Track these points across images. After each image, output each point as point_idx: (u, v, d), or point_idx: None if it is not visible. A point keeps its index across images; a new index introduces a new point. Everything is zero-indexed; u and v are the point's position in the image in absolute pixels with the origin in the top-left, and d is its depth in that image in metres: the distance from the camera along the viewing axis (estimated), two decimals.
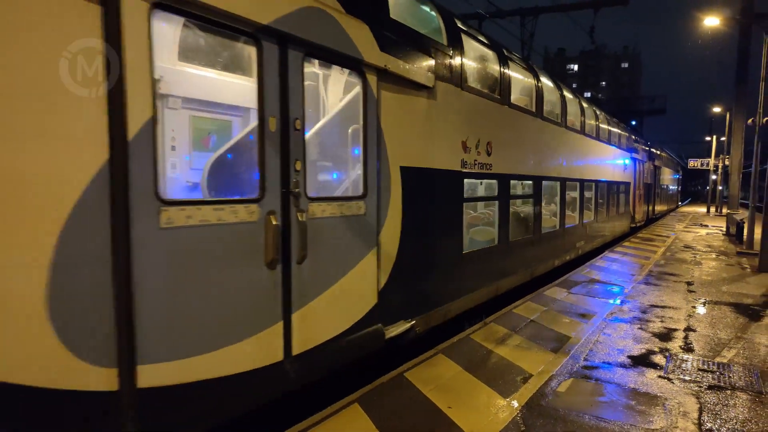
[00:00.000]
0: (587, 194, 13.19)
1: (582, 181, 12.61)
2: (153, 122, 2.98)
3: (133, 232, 2.89)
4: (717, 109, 41.44)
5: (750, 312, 7.61)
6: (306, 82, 4.08)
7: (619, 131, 17.96)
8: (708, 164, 42.02)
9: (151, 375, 2.98)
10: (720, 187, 38.05)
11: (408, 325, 5.35)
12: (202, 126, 5.10)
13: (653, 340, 6.17)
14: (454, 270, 6.53)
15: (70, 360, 2.65)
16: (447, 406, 4.30)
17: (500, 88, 7.78)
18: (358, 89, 4.75)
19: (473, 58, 7.19)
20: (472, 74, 7.07)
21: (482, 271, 7.39)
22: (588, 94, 74.91)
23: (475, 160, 6.95)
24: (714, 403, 4.42)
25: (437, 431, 3.88)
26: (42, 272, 2.55)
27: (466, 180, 6.75)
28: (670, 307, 7.79)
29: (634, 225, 20.67)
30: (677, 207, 48.35)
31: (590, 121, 13.39)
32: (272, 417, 4.13)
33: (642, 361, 5.45)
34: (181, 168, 5.02)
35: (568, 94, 11.54)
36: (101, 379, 2.77)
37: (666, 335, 6.36)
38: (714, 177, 40.73)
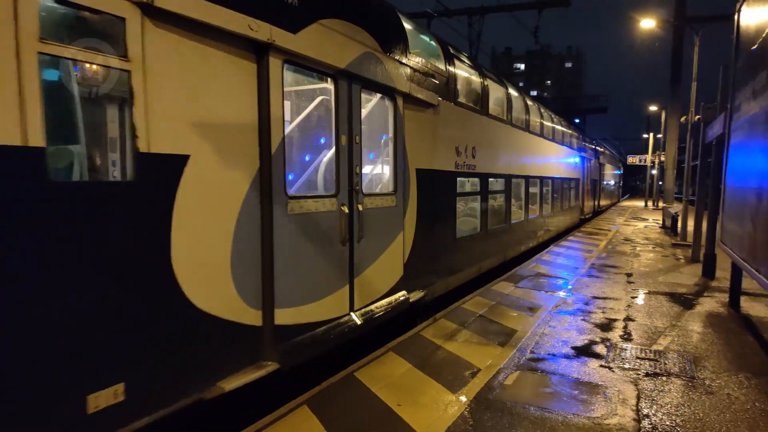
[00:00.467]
0: (546, 189, 15.07)
1: (542, 178, 14.43)
2: (283, 142, 4.31)
3: (274, 218, 4.23)
4: (653, 108, 43.53)
5: (683, 300, 8.02)
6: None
7: (571, 133, 20.38)
8: (646, 160, 44.08)
9: (281, 316, 4.36)
10: (658, 183, 39.98)
11: (422, 294, 6.89)
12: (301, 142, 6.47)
13: (595, 330, 6.40)
14: (450, 251, 8.13)
15: (240, 303, 3.99)
16: (396, 403, 4.30)
17: (481, 101, 9.43)
18: (390, 110, 6.21)
19: (461, 77, 8.61)
20: (461, 91, 8.56)
21: (470, 253, 9.07)
22: (534, 93, 77.02)
23: (465, 162, 8.54)
24: (651, 389, 4.62)
25: (387, 429, 3.87)
26: (228, 246, 3.86)
27: (458, 178, 8.36)
28: (611, 298, 8.11)
29: (583, 217, 22.97)
30: (619, 201, 51.59)
31: (548, 125, 15.43)
32: (222, 417, 4.02)
33: (585, 351, 5.63)
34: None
35: (530, 103, 13.38)
36: (254, 317, 4.14)
37: (607, 325, 6.61)
38: (654, 172, 42.74)
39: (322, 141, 5.96)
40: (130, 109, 3.11)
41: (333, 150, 5.20)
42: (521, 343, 5.86)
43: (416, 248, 6.78)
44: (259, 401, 4.27)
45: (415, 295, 6.69)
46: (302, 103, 6.20)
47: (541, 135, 14.36)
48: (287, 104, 4.89)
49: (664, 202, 23.07)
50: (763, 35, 6.28)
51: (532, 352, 5.59)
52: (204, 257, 3.65)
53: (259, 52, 4.05)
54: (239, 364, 4.01)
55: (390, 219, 6.16)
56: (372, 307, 5.78)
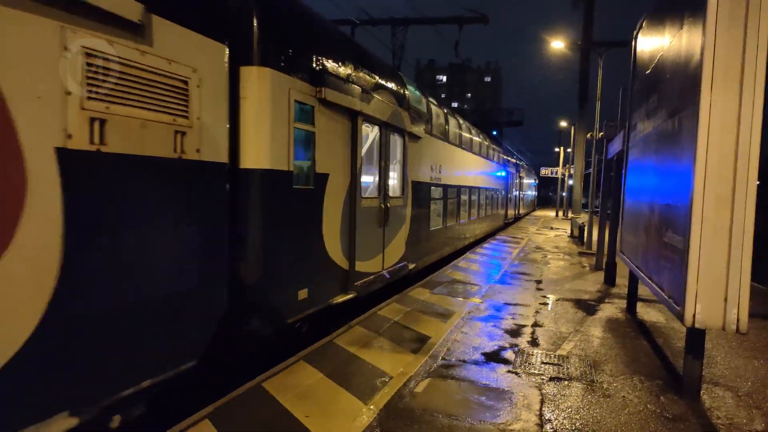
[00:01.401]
0: (484, 197, 19.61)
1: (480, 189, 18.70)
2: (360, 166, 7.35)
3: (357, 209, 7.28)
4: (564, 124, 46.25)
5: (587, 306, 8.47)
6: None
7: (501, 152, 25.86)
8: (557, 173, 46.73)
9: (358, 266, 7.38)
10: (567, 194, 42.42)
11: (414, 265, 10.25)
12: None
13: (505, 336, 6.59)
14: (426, 239, 11.52)
15: (342, 256, 7.01)
16: (305, 415, 4.15)
17: (445, 131, 13.04)
18: (400, 143, 9.41)
19: (434, 115, 11.88)
20: (434, 125, 11.79)
21: (437, 242, 12.67)
22: (455, 105, 79.38)
23: (435, 176, 11.98)
24: (554, 394, 4.79)
25: None
26: (338, 222, 6.85)
27: (431, 187, 11.71)
28: (521, 305, 8.41)
29: (507, 221, 28.50)
30: (534, 209, 56.54)
31: (486, 147, 20.16)
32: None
33: (494, 357, 5.76)
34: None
35: (474, 131, 17.75)
36: (347, 265, 7.16)
37: (516, 331, 6.83)
38: (571, 183, 45.39)
39: (373, 164, 8.65)
40: (313, 150, 6.17)
41: (377, 169, 8.41)
42: (434, 350, 5.90)
43: (411, 234, 10.05)
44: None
45: (411, 265, 10.06)
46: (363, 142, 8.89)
47: (481, 155, 18.61)
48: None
49: (572, 213, 24.48)
50: (656, 61, 6.79)
51: (443, 358, 5.64)
52: (332, 229, 6.68)
53: (353, 116, 7.12)
54: (340, 290, 7.03)
55: (400, 213, 9.37)
56: (392, 268, 8.94)
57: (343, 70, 6.84)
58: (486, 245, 17.48)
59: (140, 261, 3.80)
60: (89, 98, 3.35)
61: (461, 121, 15.41)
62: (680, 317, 4.50)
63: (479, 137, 18.48)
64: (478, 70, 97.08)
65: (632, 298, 8.26)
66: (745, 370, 5.61)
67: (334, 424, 4.03)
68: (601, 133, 15.49)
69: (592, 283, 10.77)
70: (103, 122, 3.45)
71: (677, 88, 5.45)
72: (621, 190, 9.31)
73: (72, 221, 3.26)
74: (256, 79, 5.14)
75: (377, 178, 8.43)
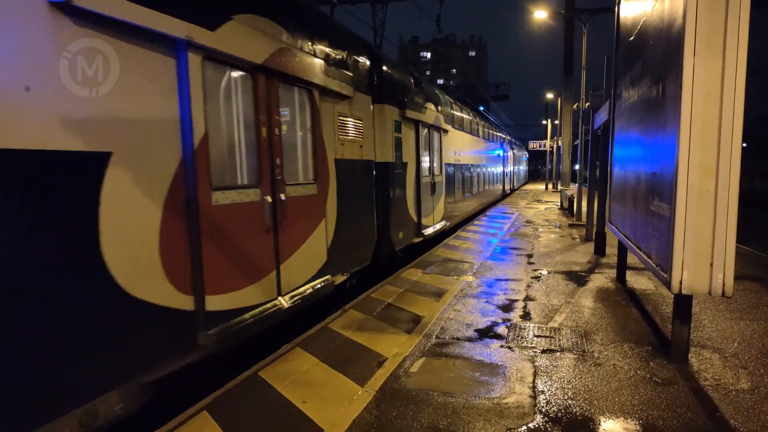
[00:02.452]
0: (489, 173, 24.08)
1: (487, 166, 22.96)
2: (421, 153, 11.47)
3: (420, 183, 11.17)
4: (550, 96, 46.12)
5: (577, 278, 8.56)
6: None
7: (501, 134, 31.65)
8: (545, 145, 46.74)
9: (422, 221, 11.33)
10: (557, 166, 42.50)
11: (449, 224, 13.99)
12: None
13: (498, 312, 6.64)
14: (454, 204, 15.53)
15: (415, 215, 10.88)
16: (302, 401, 4.18)
17: (461, 123, 16.34)
18: (437, 137, 12.68)
19: (455, 112, 15.38)
20: (455, 120, 14.67)
21: (462, 207, 16.81)
22: (440, 81, 78.82)
23: (457, 159, 15.36)
24: (546, 366, 4.85)
25: (289, 430, 3.75)
26: (412, 195, 10.59)
27: (455, 167, 15.21)
28: (512, 280, 8.47)
29: (505, 192, 33.66)
30: (526, 183, 59.25)
31: (488, 132, 24.04)
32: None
33: (487, 333, 5.82)
34: None
35: (480, 119, 21.06)
36: (417, 219, 11.01)
37: (508, 306, 6.89)
38: (565, 156, 45.50)
39: (424, 153, 11.68)
40: (400, 148, 9.70)
41: (428, 157, 12.04)
42: (427, 329, 5.94)
43: (446, 201, 13.85)
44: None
45: (448, 223, 13.45)
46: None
47: (485, 138, 22.40)
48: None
49: (561, 185, 24.57)
50: (639, 27, 6.74)
51: (437, 337, 5.69)
52: (410, 196, 10.04)
53: (416, 124, 10.55)
54: (414, 236, 10.31)
55: (440, 186, 13.17)
56: (439, 224, 12.85)
57: (411, 96, 10.55)
58: (476, 222, 17.54)
59: (359, 208, 7.98)
60: (339, 134, 7.14)
61: (471, 113, 19.66)
62: (667, 284, 4.55)
63: (485, 124, 23.63)
64: (462, 45, 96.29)
65: (621, 267, 8.34)
66: (731, 332, 5.71)
67: (331, 408, 4.07)
68: (588, 104, 15.48)
69: (583, 255, 10.86)
70: (342, 145, 7.23)
71: (660, 54, 5.42)
72: (608, 160, 9.33)
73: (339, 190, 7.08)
74: (378, 111, 8.86)
75: (427, 163, 11.86)
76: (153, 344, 3.88)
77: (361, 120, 7.85)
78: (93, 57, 3.38)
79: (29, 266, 3.01)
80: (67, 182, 3.23)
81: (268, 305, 5.33)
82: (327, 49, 6.77)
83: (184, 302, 4.16)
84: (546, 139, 47.13)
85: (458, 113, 16.10)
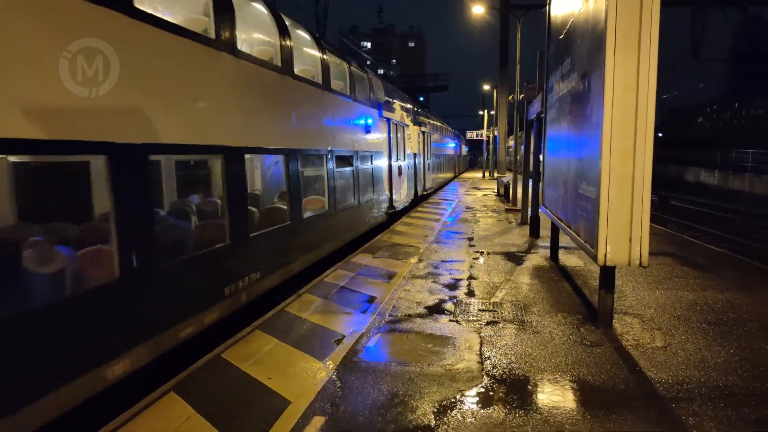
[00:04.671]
0: (450, 160, 37.02)
1: (449, 155, 36.11)
2: (423, 148, 22.40)
3: (424, 166, 22.08)
4: (487, 87, 47.52)
5: (515, 258, 9.19)
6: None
7: (454, 131, 45.40)
8: (482, 135, 48.23)
9: (394, 200, 16.68)
10: (494, 155, 43.97)
11: (433, 190, 26.51)
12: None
13: (444, 290, 7.10)
14: (435, 178, 27.44)
15: (389, 194, 15.67)
16: (267, 377, 4.43)
17: (433, 126, 25.42)
18: (425, 137, 22.00)
19: (430, 120, 25.40)
20: (430, 124, 25.12)
21: (437, 180, 28.05)
22: (381, 71, 79.01)
23: (435, 152, 26.39)
24: (491, 335, 5.33)
25: (258, 402, 4.00)
26: (413, 173, 20.19)
27: (434, 156, 26.47)
28: (456, 261, 8.99)
29: (456, 174, 44.77)
30: (467, 169, 66.90)
31: (447, 130, 35.24)
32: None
33: (436, 309, 6.26)
34: None
35: (442, 122, 33.42)
36: (389, 198, 15.25)
37: (454, 285, 7.37)
38: (511, 145, 47.05)
39: (421, 148, 21.10)
40: (418, 145, 20.59)
41: (423, 151, 21.78)
42: (380, 308, 6.30)
43: (433, 175, 24.52)
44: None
45: (431, 190, 23.27)
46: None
47: (446, 135, 32.17)
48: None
49: (497, 173, 25.61)
50: (568, 27, 7.34)
51: (390, 315, 6.06)
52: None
53: (423, 132, 21.79)
54: (386, 209, 14.34)
55: (428, 168, 22.97)
56: (429, 189, 23.06)
57: (420, 117, 18.92)
58: (420, 209, 18.11)
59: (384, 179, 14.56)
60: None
61: (436, 120, 29.87)
62: (594, 258, 5.13)
63: (445, 125, 36.04)
64: (401, 36, 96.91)
65: (554, 246, 9.04)
66: (649, 300, 6.45)
67: (296, 382, 4.34)
68: (522, 95, 16.28)
69: (519, 237, 11.58)
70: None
71: (586, 52, 5.98)
72: (541, 148, 10.01)
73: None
74: (412, 129, 17.62)
75: (425, 154, 20.59)
76: (413, 193, 18.37)
77: (410, 134, 18.02)
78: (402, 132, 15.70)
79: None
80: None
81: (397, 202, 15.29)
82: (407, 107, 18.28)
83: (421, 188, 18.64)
84: (483, 128, 48.63)
85: (431, 120, 23.90)
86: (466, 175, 52.30)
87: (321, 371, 4.54)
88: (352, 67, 11.46)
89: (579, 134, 6.30)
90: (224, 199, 5.95)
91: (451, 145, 39.54)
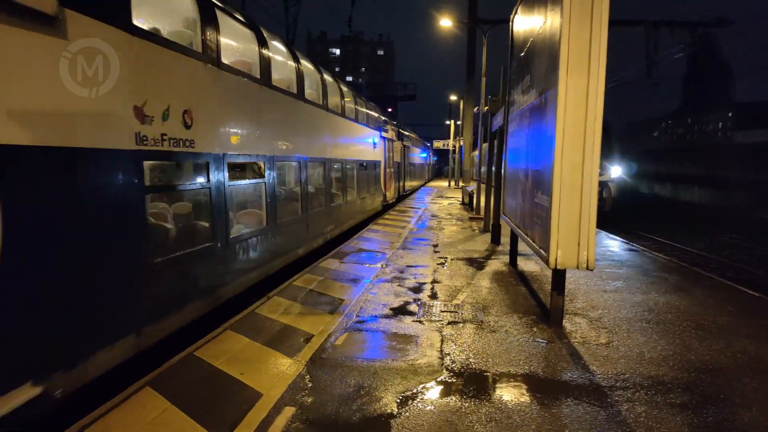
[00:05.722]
0: (420, 167, 43.13)
1: (418, 163, 41.17)
2: (405, 157, 29.42)
3: (405, 168, 29.26)
4: (454, 98, 48.44)
5: (477, 263, 9.62)
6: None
7: (425, 143, 51.66)
8: (449, 145, 49.08)
9: (405, 185, 30.53)
10: (459, 164, 44.84)
11: (411, 192, 35.38)
12: None
13: (409, 293, 7.44)
14: (411, 182, 34.79)
15: (402, 184, 28.11)
16: (240, 373, 4.66)
17: (410, 139, 33.11)
18: (402, 147, 27.77)
19: (405, 135, 30.05)
20: (405, 138, 29.15)
21: (414, 187, 38.25)
22: (350, 79, 79.47)
23: (411, 160, 35.64)
24: (451, 334, 5.69)
25: (232, 394, 4.23)
26: (400, 174, 27.47)
27: (410, 164, 33.77)
28: (421, 266, 9.36)
29: (426, 180, 52.08)
30: (433, 178, 69.16)
31: (419, 142, 43.54)
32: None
33: (401, 311, 6.58)
34: None
35: (416, 136, 40.96)
36: (403, 186, 28.69)
37: (418, 288, 7.72)
38: (476, 156, 48.02)
39: (402, 157, 28.09)
40: (397, 155, 26.07)
41: (402, 158, 27.99)
42: (348, 310, 6.59)
43: (407, 180, 30.81)
44: None
45: (409, 191, 30.07)
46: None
47: (420, 147, 40.51)
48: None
49: (462, 182, 26.23)
50: (527, 45, 7.84)
51: (357, 316, 6.36)
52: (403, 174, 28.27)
53: (404, 145, 28.21)
54: (381, 202, 19.91)
55: (407, 172, 30.74)
56: (409, 188, 31.13)
57: (402, 132, 25.23)
58: (386, 216, 18.46)
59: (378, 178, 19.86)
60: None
61: (412, 133, 35.42)
62: (546, 261, 5.56)
63: (418, 138, 42.89)
64: (370, 43, 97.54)
65: (513, 253, 9.52)
66: (596, 302, 6.95)
67: (267, 377, 4.59)
68: (486, 107, 16.88)
69: (481, 244, 12.06)
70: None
71: (544, 71, 6.45)
72: (503, 159, 10.52)
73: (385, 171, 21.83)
74: (397, 144, 22.65)
75: (405, 163, 26.59)
76: (398, 192, 24.43)
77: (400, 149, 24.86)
78: (391, 146, 22.49)
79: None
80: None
81: (388, 197, 21.48)
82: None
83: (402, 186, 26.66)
84: (450, 138, 49.53)
85: (406, 133, 29.10)
86: (433, 183, 53.06)
87: (291, 367, 4.80)
88: (366, 103, 17.67)
89: (536, 147, 6.76)
90: (326, 187, 12.20)
91: (423, 155, 47.05)
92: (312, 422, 3.80)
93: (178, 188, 6.33)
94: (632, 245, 12.36)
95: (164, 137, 5.35)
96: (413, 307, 6.72)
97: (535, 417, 3.86)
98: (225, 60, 6.90)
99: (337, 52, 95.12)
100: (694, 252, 16.42)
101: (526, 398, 4.16)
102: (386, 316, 6.34)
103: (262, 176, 8.25)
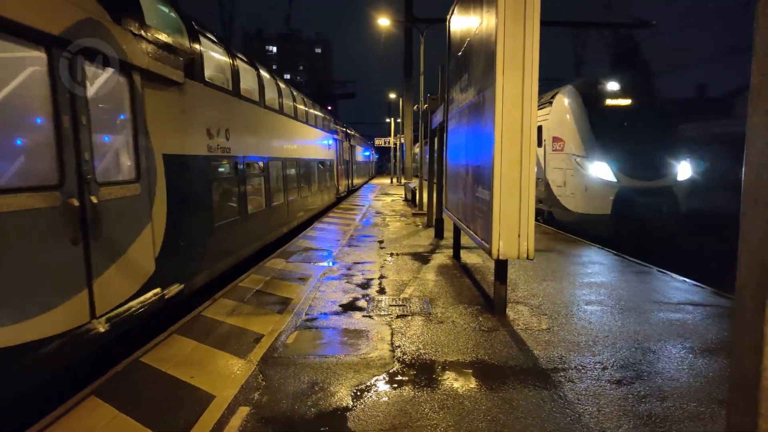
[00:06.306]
0: (366, 164, 49.11)
1: (364, 161, 44.46)
2: (349, 154, 32.33)
3: (353, 165, 34.77)
4: (393, 96, 48.89)
5: (422, 258, 9.84)
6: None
7: (368, 141, 53.33)
8: (389, 142, 49.53)
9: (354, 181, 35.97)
10: (394, 162, 45.33)
11: (359, 186, 38.62)
12: None
13: (357, 289, 7.52)
14: (357, 179, 37.41)
15: (352, 180, 33.79)
16: (190, 376, 4.57)
17: (356, 139, 37.98)
18: (350, 146, 33.00)
19: (351, 134, 33.35)
20: (352, 137, 32.65)
21: (362, 183, 43.05)
22: (288, 76, 78.47)
23: (357, 159, 40.17)
24: (401, 327, 5.82)
25: (183, 398, 4.16)
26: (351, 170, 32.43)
27: (358, 161, 40.07)
28: (368, 262, 9.46)
29: (371, 176, 54.81)
30: (375, 175, 71.00)
31: (364, 142, 48.13)
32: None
33: (350, 307, 6.65)
34: None
35: (361, 138, 43.54)
36: (353, 181, 34.96)
37: (366, 284, 7.81)
38: (417, 153, 48.42)
39: (351, 155, 32.56)
40: (346, 154, 30.83)
41: (350, 155, 30.85)
42: (297, 309, 6.59)
43: (355, 174, 35.79)
44: None
45: (357, 186, 36.05)
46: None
47: (366, 146, 42.20)
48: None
49: (405, 179, 26.59)
50: (465, 45, 8.08)
51: (306, 314, 6.37)
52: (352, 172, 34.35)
53: (352, 145, 33.29)
54: (335, 194, 22.91)
55: (353, 170, 34.79)
56: (356, 184, 35.79)
57: (349, 133, 28.58)
58: (330, 214, 18.45)
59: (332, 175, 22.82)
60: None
61: (354, 133, 35.05)
62: (489, 252, 5.80)
63: (361, 137, 43.91)
64: (308, 41, 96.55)
65: (457, 246, 9.81)
66: (537, 291, 7.31)
67: (219, 379, 4.53)
68: (426, 105, 17.19)
69: (425, 238, 12.32)
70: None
71: (481, 70, 6.69)
72: (444, 155, 10.79)
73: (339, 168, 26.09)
74: (346, 144, 23.25)
75: (352, 161, 30.01)
76: (336, 192, 24.28)
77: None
78: (341, 146, 27.00)
79: None
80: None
81: (340, 191, 25.01)
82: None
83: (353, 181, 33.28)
84: (390, 136, 49.96)
85: (351, 133, 30.76)
86: (376, 180, 53.38)
87: (243, 367, 4.76)
88: (322, 111, 20.52)
89: (476, 143, 7.00)
90: (298, 180, 15.06)
91: (366, 153, 50.80)
92: (268, 420, 3.81)
93: (222, 178, 9.01)
94: (568, 235, 12.98)
95: (218, 146, 8.36)
96: (362, 303, 6.81)
97: (485, 401, 4.04)
98: (242, 92, 9.89)
99: (274, 49, 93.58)
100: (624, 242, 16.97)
101: (475, 384, 4.34)
102: (336, 313, 6.39)
103: (266, 171, 11.49)
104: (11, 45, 4.08)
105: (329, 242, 12.01)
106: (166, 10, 7.22)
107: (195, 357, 5.05)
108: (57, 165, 4.41)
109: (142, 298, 5.67)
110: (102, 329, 4.84)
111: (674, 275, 8.22)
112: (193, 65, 7.35)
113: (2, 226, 3.76)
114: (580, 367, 4.66)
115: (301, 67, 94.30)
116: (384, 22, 21.74)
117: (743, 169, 2.22)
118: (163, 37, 6.27)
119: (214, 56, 8.82)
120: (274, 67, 79.37)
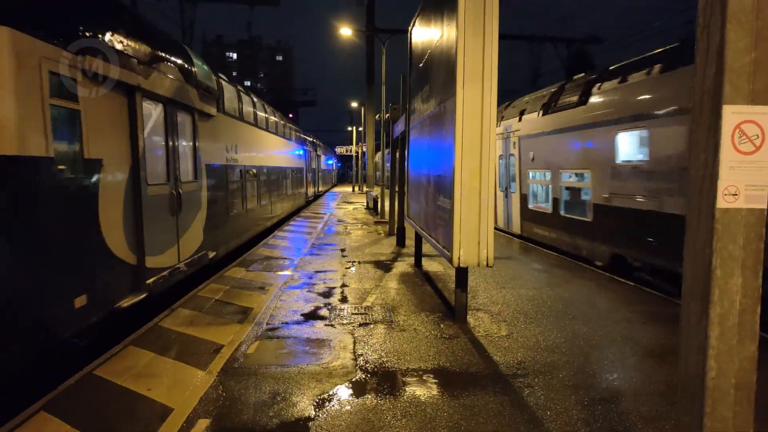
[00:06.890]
0: (330, 172, 53.67)
1: (328, 169, 49.08)
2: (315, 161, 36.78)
3: (318, 172, 38.41)
4: (355, 104, 49.06)
5: (384, 266, 9.88)
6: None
7: (332, 150, 54.84)
8: (351, 150, 49.61)
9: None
10: (363, 170, 45.43)
11: (323, 192, 41.78)
12: None
13: (319, 298, 7.49)
14: (323, 185, 40.70)
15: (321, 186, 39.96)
16: (147, 389, 4.45)
17: (323, 149, 43.18)
18: (316, 155, 36.96)
19: (318, 146, 39.18)
20: (319, 147, 39.02)
21: (326, 189, 45.36)
22: (248, 83, 77.57)
23: (322, 168, 42.88)
24: (363, 335, 5.83)
25: (139, 412, 4.04)
26: (304, 181, 30.33)
27: (323, 170, 43.25)
28: (330, 271, 9.43)
29: (333, 183, 57.72)
30: (337, 183, 72.83)
31: (328, 151, 48.50)
32: None
33: (312, 316, 6.61)
34: None
35: (323, 146, 43.43)
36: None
37: (328, 293, 7.79)
38: (379, 161, 48.52)
39: (319, 162, 38.75)
40: (315, 162, 37.47)
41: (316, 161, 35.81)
42: (258, 318, 6.50)
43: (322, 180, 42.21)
44: None
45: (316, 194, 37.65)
46: None
47: (329, 155, 46.89)
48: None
49: (366, 187, 26.67)
50: (426, 57, 8.22)
51: (267, 324, 6.30)
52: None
53: (315, 149, 33.16)
54: (305, 198, 26.78)
55: (321, 176, 38.90)
56: (321, 191, 37.87)
57: (316, 143, 34.29)
58: (292, 222, 18.30)
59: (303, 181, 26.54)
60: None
61: (319, 143, 36.87)
62: (450, 261, 5.89)
63: (325, 146, 45.14)
64: (268, 48, 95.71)
65: (418, 254, 9.90)
66: (497, 298, 7.46)
67: (177, 391, 4.42)
68: (387, 115, 17.32)
69: (387, 246, 12.38)
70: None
71: (442, 82, 6.82)
72: (406, 164, 10.90)
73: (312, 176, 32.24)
74: (313, 153, 31.73)
75: (318, 169, 34.23)
76: (305, 196, 28.30)
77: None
78: (309, 155, 30.03)
79: None
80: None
81: (308, 195, 28.50)
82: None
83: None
84: (352, 144, 50.04)
85: (320, 147, 35.68)
86: (338, 188, 53.31)
87: (202, 379, 4.66)
88: (294, 127, 23.92)
89: (437, 153, 7.12)
90: (278, 184, 18.67)
91: (330, 161, 53.79)
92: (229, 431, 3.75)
93: (233, 181, 11.71)
94: (526, 244, 13.27)
95: (231, 158, 11.41)
96: (324, 312, 6.78)
97: (447, 408, 4.10)
98: (243, 115, 12.80)
99: (234, 56, 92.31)
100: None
101: (437, 391, 4.40)
102: (297, 322, 6.35)
103: (259, 177, 14.54)
104: (181, 112, 8.26)
105: (290, 251, 11.91)
106: (200, 63, 9.88)
107: (152, 369, 4.91)
108: (167, 170, 7.63)
109: (198, 255, 8.77)
110: (183, 268, 7.94)
111: (629, 282, 8.55)
112: (218, 101, 10.32)
113: (153, 201, 6.94)
114: (539, 373, 4.79)
115: (261, 74, 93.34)
116: (346, 32, 21.87)
117: (689, 180, 2.36)
118: (205, 85, 9.31)
119: (228, 93, 11.72)
120: (234, 73, 78.26)
